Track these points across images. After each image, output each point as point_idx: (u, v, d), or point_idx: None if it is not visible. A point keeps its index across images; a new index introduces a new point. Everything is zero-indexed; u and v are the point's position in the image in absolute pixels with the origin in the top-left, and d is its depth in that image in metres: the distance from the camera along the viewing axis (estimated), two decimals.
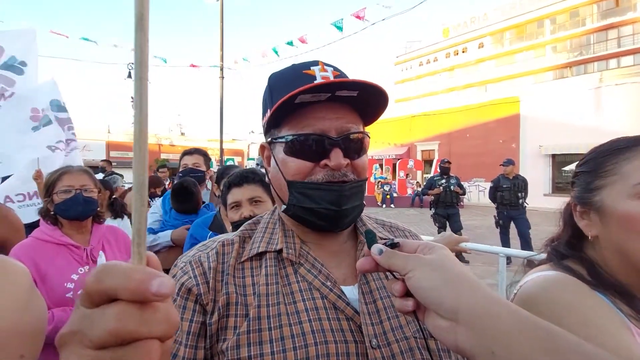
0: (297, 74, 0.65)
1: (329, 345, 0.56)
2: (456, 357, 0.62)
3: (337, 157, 0.61)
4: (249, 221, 0.75)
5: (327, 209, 0.62)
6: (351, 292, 0.64)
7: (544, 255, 0.81)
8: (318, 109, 0.62)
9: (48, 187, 1.68)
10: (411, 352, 0.59)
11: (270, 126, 0.67)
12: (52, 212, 1.66)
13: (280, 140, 0.65)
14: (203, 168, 2.78)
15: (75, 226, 1.69)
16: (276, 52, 10.99)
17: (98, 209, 1.76)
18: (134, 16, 0.29)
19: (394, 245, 0.48)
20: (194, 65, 14.51)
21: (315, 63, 0.67)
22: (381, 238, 0.70)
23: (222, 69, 10.76)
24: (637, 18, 24.38)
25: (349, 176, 0.63)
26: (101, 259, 1.58)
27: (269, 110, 0.65)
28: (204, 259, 0.64)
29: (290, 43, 10.46)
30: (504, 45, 30.62)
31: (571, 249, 0.76)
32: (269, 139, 0.68)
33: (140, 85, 0.30)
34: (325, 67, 0.66)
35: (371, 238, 0.52)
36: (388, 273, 0.48)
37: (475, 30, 32.10)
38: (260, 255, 0.66)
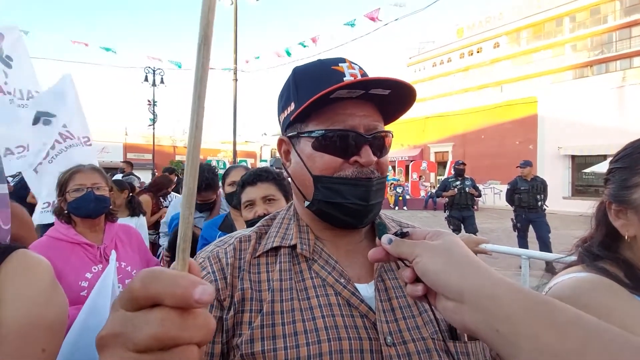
0: (326, 69, 0.65)
1: (343, 341, 0.56)
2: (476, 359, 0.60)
3: (367, 154, 0.62)
4: (266, 217, 0.75)
5: (356, 204, 0.62)
6: (365, 289, 0.63)
7: (571, 258, 0.76)
8: (346, 105, 0.62)
9: (61, 186, 1.71)
10: (428, 353, 0.57)
11: (296, 120, 0.66)
12: (65, 211, 1.69)
13: (306, 134, 0.65)
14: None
15: (88, 224, 1.71)
16: (288, 53, 11.04)
17: (110, 207, 1.78)
18: (199, 36, 0.30)
19: (403, 235, 0.50)
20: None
21: (343, 60, 0.67)
22: (392, 228, 0.71)
23: (235, 72, 10.87)
24: None
25: (375, 173, 0.64)
26: (112, 258, 1.59)
27: (292, 104, 0.66)
28: (222, 255, 0.65)
29: (302, 44, 10.50)
30: (521, 45, 29.93)
31: (606, 249, 0.71)
32: (294, 133, 0.67)
33: (198, 103, 0.30)
34: (352, 64, 0.67)
35: (382, 229, 0.53)
36: (400, 262, 0.48)
37: (490, 29, 31.49)
38: (275, 250, 0.67)
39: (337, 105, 0.62)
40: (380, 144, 0.65)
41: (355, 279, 0.64)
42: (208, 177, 2.35)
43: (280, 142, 0.72)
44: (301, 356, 0.53)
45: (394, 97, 0.63)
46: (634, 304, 0.60)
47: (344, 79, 0.62)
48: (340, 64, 0.66)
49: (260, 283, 0.62)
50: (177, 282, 0.28)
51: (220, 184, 2.59)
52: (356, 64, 0.68)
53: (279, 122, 0.73)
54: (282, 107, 0.70)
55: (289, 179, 0.72)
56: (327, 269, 0.64)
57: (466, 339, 0.60)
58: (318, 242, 0.68)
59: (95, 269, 1.62)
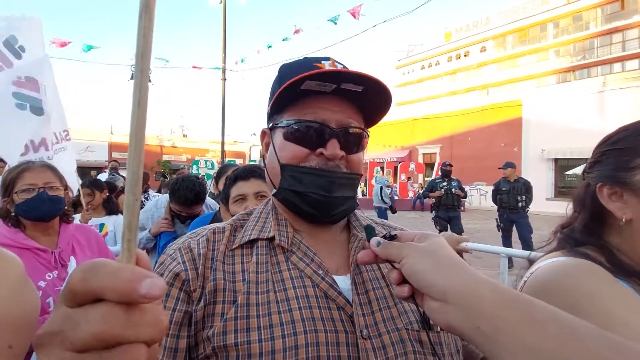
0: (308, 65, 0.66)
1: (319, 334, 0.55)
2: (449, 351, 0.62)
3: (333, 147, 0.62)
4: (242, 212, 0.75)
5: (317, 193, 0.63)
6: (343, 281, 0.63)
7: (551, 248, 0.74)
8: (322, 99, 0.63)
9: (7, 185, 1.50)
10: (402, 344, 0.58)
11: (273, 112, 0.68)
12: (12, 214, 1.49)
13: (280, 125, 0.66)
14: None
15: (40, 228, 1.52)
16: (270, 48, 11.01)
17: (65, 207, 1.60)
18: (139, 4, 0.28)
19: (392, 237, 0.51)
20: (196, 67, 14.57)
21: (327, 59, 0.68)
22: (383, 231, 0.72)
23: (224, 71, 10.78)
24: None
25: (342, 169, 0.64)
26: (72, 265, 1.45)
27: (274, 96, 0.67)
28: (193, 246, 0.63)
29: (285, 39, 10.50)
30: (507, 49, 30.61)
31: (588, 235, 0.69)
32: (271, 125, 0.70)
33: (141, 78, 0.28)
34: (335, 63, 0.67)
35: (370, 232, 0.54)
36: (383, 265, 0.50)
37: (477, 34, 32.14)
38: (251, 243, 0.66)
39: (312, 99, 0.63)
40: (353, 141, 0.65)
41: (333, 271, 0.64)
42: (199, 191, 2.29)
43: (263, 134, 0.73)
44: (276, 349, 0.52)
45: (370, 97, 0.63)
46: (617, 287, 0.59)
47: (321, 69, 0.62)
48: (323, 62, 0.66)
49: (235, 274, 0.61)
50: (120, 275, 0.26)
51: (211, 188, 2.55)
52: (340, 64, 0.68)
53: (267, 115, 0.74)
54: (269, 101, 0.71)
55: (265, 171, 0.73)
56: (305, 260, 0.63)
57: (439, 328, 0.61)
58: (297, 234, 0.67)
59: (49, 275, 1.44)
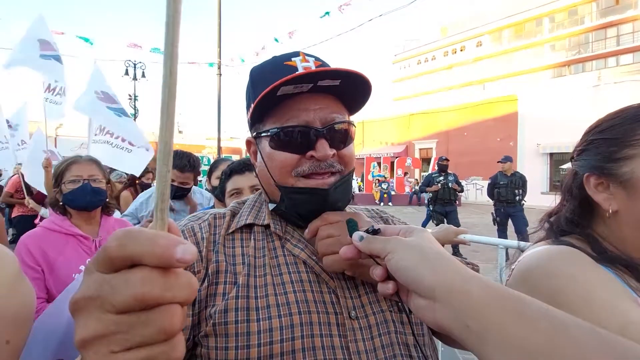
0: (278, 65, 0.65)
1: (312, 314, 0.59)
2: (428, 329, 0.66)
3: (323, 148, 0.62)
4: (237, 200, 0.78)
5: (315, 209, 0.65)
6: None
7: (539, 235, 0.75)
8: (301, 100, 0.62)
9: (57, 177, 1.67)
10: (386, 324, 0.63)
11: (255, 120, 0.67)
12: (60, 202, 1.65)
13: (264, 134, 0.65)
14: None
15: (83, 217, 1.68)
16: (276, 41, 10.96)
17: (107, 199, 1.74)
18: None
19: (375, 232, 0.48)
20: (191, 62, 14.46)
21: (296, 54, 0.66)
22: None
23: (219, 67, 10.70)
24: (638, 16, 24.38)
25: (335, 167, 0.64)
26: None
27: (252, 104, 0.65)
28: (197, 230, 0.66)
29: (276, 40, 10.46)
30: (502, 44, 30.61)
31: (575, 224, 0.69)
32: (254, 134, 0.69)
33: (172, 49, 0.28)
34: (306, 57, 0.66)
35: (352, 226, 0.52)
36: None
37: (473, 28, 32.07)
38: (249, 227, 0.68)
39: (291, 101, 0.62)
40: (341, 136, 0.65)
41: None
42: (194, 161, 2.34)
43: (248, 143, 0.73)
44: (273, 327, 0.56)
45: (349, 87, 0.62)
46: (599, 271, 0.60)
47: (296, 73, 0.60)
48: (293, 59, 0.65)
49: (235, 257, 0.64)
50: (157, 242, 0.28)
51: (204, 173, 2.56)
52: (311, 56, 0.67)
53: (247, 123, 0.73)
54: (247, 108, 0.70)
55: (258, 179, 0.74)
56: (299, 246, 0.66)
57: None
58: (290, 224, 0.70)
59: (89, 261, 1.58)
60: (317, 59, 0.67)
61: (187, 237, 0.64)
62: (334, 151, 0.63)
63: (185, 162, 2.31)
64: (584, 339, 0.33)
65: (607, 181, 0.65)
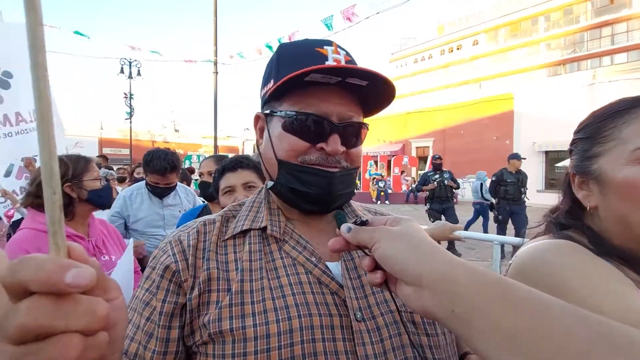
0: (310, 50, 0.63)
1: (313, 317, 0.56)
2: (442, 330, 0.62)
3: (334, 143, 0.61)
4: (234, 203, 0.75)
5: (317, 193, 0.62)
6: (336, 267, 0.64)
7: (541, 229, 0.76)
8: (324, 91, 0.61)
9: (75, 174, 1.59)
10: (396, 325, 0.59)
11: (272, 98, 0.65)
12: (76, 198, 1.60)
13: (279, 113, 0.64)
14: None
15: (85, 217, 1.67)
16: (270, 48, 10.94)
17: None
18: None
19: (363, 223, 0.49)
20: (188, 61, 14.38)
21: (329, 43, 0.65)
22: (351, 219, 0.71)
23: (216, 64, 10.64)
24: (632, 15, 24.56)
25: (342, 163, 0.63)
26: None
27: (272, 81, 0.64)
28: (183, 238, 0.64)
29: (279, 40, 10.43)
30: (499, 43, 30.72)
31: (572, 219, 0.71)
32: (268, 111, 0.66)
33: (37, 71, 0.28)
34: (338, 49, 0.64)
35: (340, 218, 0.53)
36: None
37: (470, 27, 32.16)
38: (243, 233, 0.66)
39: (314, 89, 0.61)
40: (352, 135, 0.64)
41: (326, 257, 0.64)
42: (173, 160, 2.34)
43: (257, 118, 0.71)
44: (271, 332, 0.53)
45: (373, 90, 0.62)
46: (599, 261, 0.60)
47: (326, 62, 0.60)
48: (325, 47, 0.64)
49: (228, 264, 0.61)
50: (43, 267, 0.26)
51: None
52: (343, 49, 0.66)
53: (260, 97, 0.71)
54: (264, 83, 0.69)
55: (260, 158, 0.72)
56: (298, 248, 0.64)
57: None
58: (289, 223, 0.68)
59: None
60: (347, 53, 0.65)
61: (174, 246, 0.62)
62: (344, 148, 0.62)
63: (165, 165, 2.29)
64: (569, 321, 0.33)
65: (586, 179, 0.68)
